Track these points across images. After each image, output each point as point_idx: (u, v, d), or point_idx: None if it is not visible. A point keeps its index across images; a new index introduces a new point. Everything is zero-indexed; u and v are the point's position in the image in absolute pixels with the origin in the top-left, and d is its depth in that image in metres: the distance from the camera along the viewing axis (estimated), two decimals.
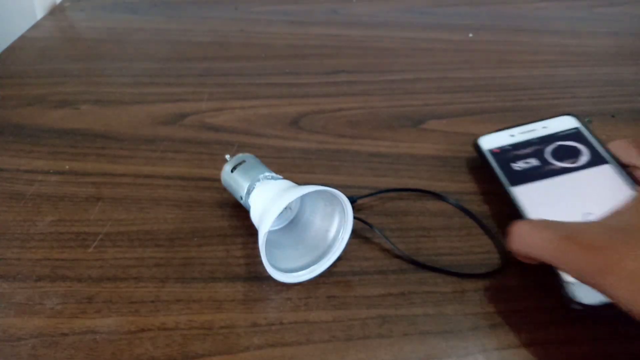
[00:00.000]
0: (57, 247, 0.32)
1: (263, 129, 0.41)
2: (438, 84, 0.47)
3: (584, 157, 0.32)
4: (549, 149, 0.33)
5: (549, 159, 0.33)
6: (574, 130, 0.34)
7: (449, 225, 0.33)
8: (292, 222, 0.32)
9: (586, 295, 0.25)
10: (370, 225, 0.32)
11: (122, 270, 0.30)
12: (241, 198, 0.31)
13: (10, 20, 0.59)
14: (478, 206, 0.34)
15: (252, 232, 0.32)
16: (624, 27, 0.56)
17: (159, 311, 0.28)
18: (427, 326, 0.27)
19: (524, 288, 0.29)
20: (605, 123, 0.41)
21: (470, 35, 0.54)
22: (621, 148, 0.31)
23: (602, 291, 0.22)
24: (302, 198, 0.32)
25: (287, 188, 0.29)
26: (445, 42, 0.53)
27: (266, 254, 0.27)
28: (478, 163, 0.36)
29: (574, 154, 0.33)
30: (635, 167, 0.29)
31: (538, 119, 0.36)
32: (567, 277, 0.26)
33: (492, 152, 0.34)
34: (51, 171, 0.37)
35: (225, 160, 0.33)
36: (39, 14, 0.60)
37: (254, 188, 0.30)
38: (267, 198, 0.29)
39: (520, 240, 0.26)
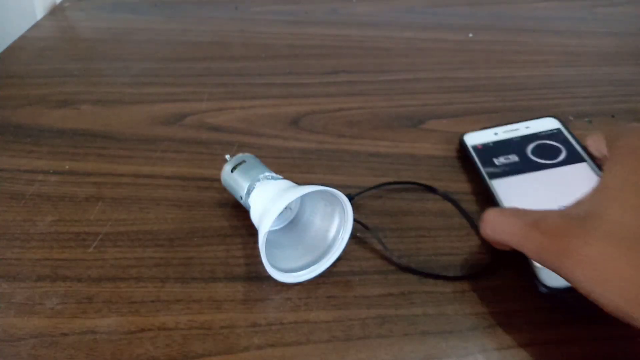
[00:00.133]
0: (57, 247, 0.32)
1: (263, 129, 0.41)
2: (438, 84, 0.47)
3: (562, 155, 0.34)
4: (529, 146, 0.35)
5: (529, 156, 0.35)
6: (555, 131, 0.36)
7: (448, 225, 0.33)
8: (292, 222, 0.32)
9: (551, 278, 0.27)
10: (368, 228, 0.32)
11: (122, 270, 0.30)
12: (241, 198, 0.31)
13: (10, 20, 0.59)
14: (478, 206, 0.34)
15: (252, 232, 0.32)
16: (624, 27, 0.56)
17: (159, 311, 0.28)
18: (427, 326, 0.27)
19: (525, 288, 0.29)
20: (605, 123, 0.41)
21: (470, 35, 0.54)
22: (595, 142, 0.32)
23: (562, 276, 0.23)
24: (302, 198, 0.32)
25: (287, 188, 0.29)
26: (445, 42, 0.53)
27: (266, 254, 0.27)
28: (462, 155, 0.38)
29: (552, 152, 0.35)
30: (605, 158, 0.30)
31: (523, 120, 0.38)
32: (535, 262, 0.27)
33: (475, 147, 0.36)
34: (51, 171, 0.37)
35: (225, 160, 0.33)
36: (39, 14, 0.60)
37: (254, 188, 0.30)
38: (267, 198, 0.29)
39: (491, 227, 0.27)
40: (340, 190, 0.28)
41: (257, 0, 0.63)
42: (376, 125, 0.41)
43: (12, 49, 0.54)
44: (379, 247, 0.31)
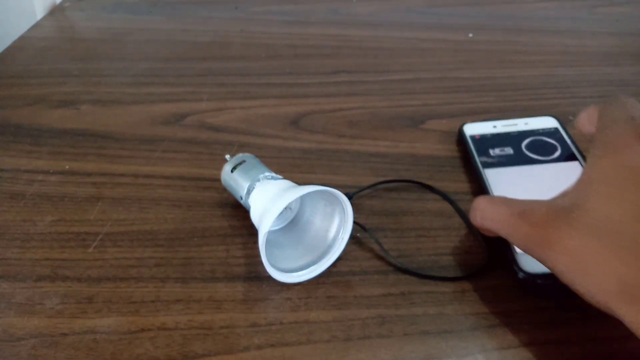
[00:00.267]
0: (57, 247, 0.32)
1: (263, 129, 0.41)
2: (438, 84, 0.47)
3: (556, 153, 0.35)
4: (525, 141, 0.37)
5: (524, 150, 0.36)
6: (552, 130, 0.37)
7: (448, 225, 0.33)
8: (292, 222, 0.32)
9: (530, 265, 0.27)
10: (365, 229, 0.32)
11: (122, 270, 0.30)
12: (241, 198, 0.31)
13: (10, 20, 0.59)
14: None
15: (252, 232, 0.32)
16: (624, 27, 0.56)
17: (159, 311, 0.28)
18: (427, 326, 0.27)
19: (524, 288, 0.29)
20: None
21: (470, 35, 0.54)
22: (587, 118, 0.30)
23: (546, 265, 0.24)
24: (302, 198, 0.32)
25: (287, 188, 0.29)
26: (445, 42, 0.53)
27: (266, 254, 0.27)
28: (459, 144, 0.39)
29: (547, 148, 0.36)
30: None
31: (523, 116, 0.39)
32: (517, 249, 0.28)
33: (473, 137, 0.37)
34: (51, 171, 0.37)
35: (225, 160, 0.33)
36: (39, 14, 0.60)
37: (254, 188, 0.30)
38: (267, 198, 0.29)
39: (481, 214, 0.28)
40: (340, 190, 0.28)
41: (257, 0, 0.63)
42: (376, 125, 0.41)
43: (12, 49, 0.54)
44: (378, 247, 0.31)
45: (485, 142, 0.37)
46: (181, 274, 0.30)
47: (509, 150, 0.36)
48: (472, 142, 0.37)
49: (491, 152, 0.36)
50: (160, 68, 0.49)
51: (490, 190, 0.33)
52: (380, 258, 0.31)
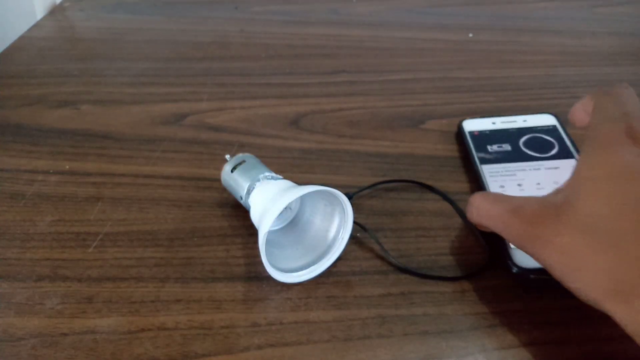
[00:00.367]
0: (57, 247, 0.32)
1: (263, 129, 0.41)
2: (438, 84, 0.47)
3: (553, 151, 0.36)
4: (523, 138, 0.37)
5: (521, 147, 0.36)
6: (550, 127, 0.38)
7: (448, 225, 0.33)
8: (292, 222, 0.32)
9: (523, 260, 0.28)
10: (365, 230, 0.32)
11: (122, 270, 0.30)
12: (241, 198, 0.31)
13: (10, 20, 0.59)
14: None
15: (252, 232, 0.32)
16: (624, 27, 0.56)
17: (159, 311, 0.28)
18: (427, 326, 0.27)
19: (525, 288, 0.29)
20: None
21: (470, 35, 0.54)
22: (582, 109, 0.29)
23: (538, 262, 0.24)
24: (302, 198, 0.32)
25: (287, 188, 0.29)
26: (445, 42, 0.53)
27: (266, 254, 0.27)
28: (459, 139, 0.39)
29: (544, 146, 0.36)
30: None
31: (522, 113, 0.39)
32: (511, 244, 0.29)
33: (472, 133, 0.38)
34: (51, 171, 0.37)
35: (225, 160, 0.33)
36: (39, 14, 0.60)
37: (254, 188, 0.30)
38: (267, 198, 0.29)
39: (476, 211, 0.28)
40: (340, 190, 0.28)
41: (257, 0, 0.63)
42: (376, 125, 0.41)
43: (12, 49, 0.54)
44: (378, 247, 0.31)
45: (484, 138, 0.37)
46: (181, 274, 0.30)
47: (506, 147, 0.36)
48: (470, 138, 0.37)
49: (489, 148, 0.36)
50: (160, 68, 0.49)
51: (486, 186, 0.33)
52: (380, 258, 0.31)
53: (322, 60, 0.50)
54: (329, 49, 0.52)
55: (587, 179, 0.24)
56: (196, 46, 0.53)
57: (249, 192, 0.30)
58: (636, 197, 0.22)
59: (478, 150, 0.36)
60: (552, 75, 0.47)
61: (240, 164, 0.32)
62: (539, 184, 0.33)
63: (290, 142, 0.40)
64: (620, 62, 0.49)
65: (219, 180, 0.33)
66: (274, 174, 0.31)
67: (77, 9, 0.62)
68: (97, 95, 0.46)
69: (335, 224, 0.30)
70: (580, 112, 0.29)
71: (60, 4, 0.63)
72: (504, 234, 0.26)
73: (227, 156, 0.33)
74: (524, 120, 0.39)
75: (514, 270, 0.28)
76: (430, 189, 0.35)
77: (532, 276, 0.28)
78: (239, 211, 0.33)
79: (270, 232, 0.29)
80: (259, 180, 0.31)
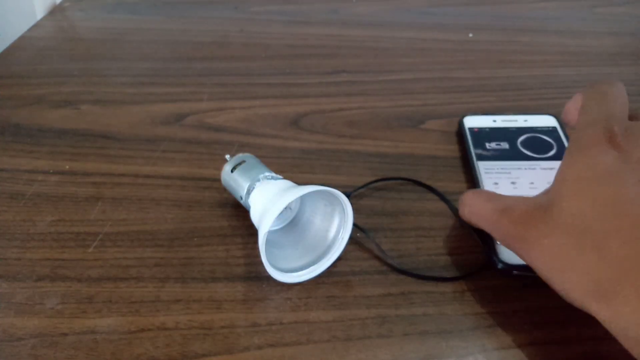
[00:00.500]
0: (57, 247, 0.32)
1: (263, 129, 0.41)
2: (438, 84, 0.47)
3: (551, 152, 0.36)
4: (521, 138, 0.37)
5: (519, 146, 0.37)
6: (550, 129, 0.38)
7: (448, 225, 0.33)
8: (292, 222, 0.32)
9: (508, 256, 0.28)
10: (364, 231, 0.32)
11: (122, 270, 0.30)
12: (241, 198, 0.31)
13: (10, 20, 0.59)
14: None
15: (252, 232, 0.32)
16: (624, 27, 0.56)
17: (159, 311, 0.28)
18: (427, 326, 0.27)
19: (525, 288, 0.29)
20: None
21: (470, 35, 0.54)
22: (573, 108, 0.30)
23: (525, 262, 0.25)
24: (302, 198, 0.32)
25: (287, 188, 0.29)
26: (445, 42, 0.53)
27: (266, 254, 0.27)
28: (458, 135, 0.40)
29: (542, 146, 0.36)
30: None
31: (523, 112, 0.40)
32: (497, 241, 0.29)
33: (472, 129, 0.38)
34: (51, 171, 0.37)
35: (225, 160, 0.33)
36: (39, 14, 0.60)
37: (254, 188, 0.30)
38: (267, 198, 0.29)
39: (468, 208, 0.28)
40: (340, 190, 0.28)
41: (257, 0, 0.63)
42: (376, 125, 0.41)
43: (12, 49, 0.54)
44: (379, 247, 0.31)
45: (483, 135, 0.38)
46: (181, 274, 0.30)
47: (504, 145, 0.37)
48: (470, 135, 0.38)
49: (487, 145, 0.37)
50: (160, 68, 0.49)
51: (481, 183, 0.34)
52: (380, 258, 0.31)
53: (322, 60, 0.50)
54: (329, 49, 0.52)
55: (570, 179, 0.24)
56: (196, 46, 0.53)
57: (249, 192, 0.30)
58: (615, 198, 0.22)
59: (476, 146, 0.37)
60: (552, 75, 0.47)
61: (240, 164, 0.32)
62: (532, 183, 0.34)
63: (290, 142, 0.40)
64: (620, 62, 0.49)
65: (219, 180, 0.33)
66: (274, 174, 0.31)
67: (77, 9, 0.62)
68: (97, 95, 0.46)
69: (335, 224, 0.30)
70: (572, 112, 0.29)
71: (60, 4, 0.63)
72: (493, 233, 0.27)
73: (227, 156, 0.33)
74: (525, 120, 0.39)
75: (499, 266, 0.29)
76: (426, 187, 0.35)
77: (515, 272, 0.28)
78: (239, 211, 0.33)
79: (270, 232, 0.29)
80: (259, 180, 0.31)
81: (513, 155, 0.36)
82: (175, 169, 0.37)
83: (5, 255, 0.31)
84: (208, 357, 0.26)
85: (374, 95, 0.45)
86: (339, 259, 0.30)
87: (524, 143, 0.37)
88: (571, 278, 0.22)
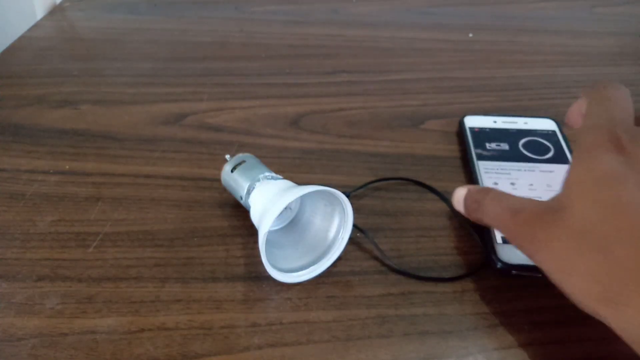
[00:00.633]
0: (57, 247, 0.32)
1: (263, 129, 0.41)
2: (438, 84, 0.47)
3: (549, 154, 0.36)
4: (522, 140, 0.38)
5: (519, 147, 0.37)
6: (550, 132, 0.38)
7: (448, 225, 0.33)
8: (292, 222, 0.32)
9: (507, 255, 0.29)
10: (363, 232, 0.32)
11: (122, 270, 0.30)
12: (241, 198, 0.31)
13: (10, 20, 0.59)
14: None
15: (252, 232, 0.32)
16: (624, 27, 0.56)
17: (159, 311, 0.28)
18: (427, 326, 0.27)
19: (525, 288, 0.29)
20: None
21: (470, 35, 0.54)
22: (577, 110, 0.29)
23: (537, 264, 0.25)
24: (302, 198, 0.32)
25: (287, 188, 0.29)
26: (445, 42, 0.53)
27: (266, 254, 0.27)
28: (459, 134, 0.40)
29: (542, 149, 0.37)
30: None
31: (524, 115, 0.40)
32: (497, 239, 0.30)
33: (472, 129, 0.39)
34: (51, 171, 0.37)
35: (225, 160, 0.33)
36: (39, 14, 0.60)
37: (254, 188, 0.30)
38: (267, 198, 0.29)
39: (476, 205, 0.29)
40: (340, 190, 0.28)
41: (257, 0, 0.63)
42: (376, 125, 0.41)
43: (12, 49, 0.54)
44: (379, 247, 0.31)
45: (483, 135, 0.38)
46: (181, 274, 0.30)
47: (504, 146, 0.37)
48: (470, 134, 0.38)
49: (487, 145, 0.37)
50: (160, 68, 0.49)
51: (480, 183, 0.34)
52: (380, 258, 0.31)
53: (322, 60, 0.50)
54: (329, 49, 0.52)
55: (576, 183, 0.24)
56: (196, 46, 0.53)
57: (249, 192, 0.30)
58: (620, 202, 0.22)
59: (476, 146, 0.37)
60: (552, 75, 0.47)
61: (240, 164, 0.32)
62: (531, 184, 0.34)
63: (290, 142, 0.40)
64: (620, 62, 0.49)
65: (219, 180, 0.33)
66: (274, 174, 0.31)
67: (77, 9, 0.62)
68: (97, 95, 0.46)
69: (335, 224, 0.30)
70: (576, 114, 0.29)
71: (60, 4, 0.63)
72: (503, 232, 0.27)
73: (227, 156, 0.33)
74: (525, 123, 0.39)
75: (498, 265, 0.29)
76: (429, 188, 0.35)
77: (514, 272, 0.29)
78: (239, 211, 0.33)
79: (270, 232, 0.29)
80: (259, 180, 0.31)
81: (513, 156, 0.36)
82: (175, 169, 0.37)
83: (5, 255, 0.31)
84: (208, 357, 0.26)
85: (374, 95, 0.45)
86: (339, 259, 0.30)
87: (524, 145, 0.37)
88: (578, 282, 0.22)
